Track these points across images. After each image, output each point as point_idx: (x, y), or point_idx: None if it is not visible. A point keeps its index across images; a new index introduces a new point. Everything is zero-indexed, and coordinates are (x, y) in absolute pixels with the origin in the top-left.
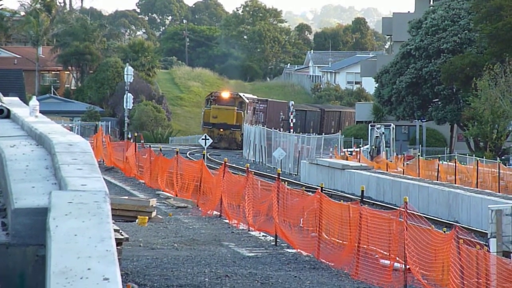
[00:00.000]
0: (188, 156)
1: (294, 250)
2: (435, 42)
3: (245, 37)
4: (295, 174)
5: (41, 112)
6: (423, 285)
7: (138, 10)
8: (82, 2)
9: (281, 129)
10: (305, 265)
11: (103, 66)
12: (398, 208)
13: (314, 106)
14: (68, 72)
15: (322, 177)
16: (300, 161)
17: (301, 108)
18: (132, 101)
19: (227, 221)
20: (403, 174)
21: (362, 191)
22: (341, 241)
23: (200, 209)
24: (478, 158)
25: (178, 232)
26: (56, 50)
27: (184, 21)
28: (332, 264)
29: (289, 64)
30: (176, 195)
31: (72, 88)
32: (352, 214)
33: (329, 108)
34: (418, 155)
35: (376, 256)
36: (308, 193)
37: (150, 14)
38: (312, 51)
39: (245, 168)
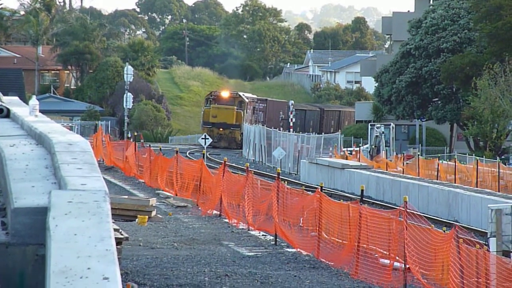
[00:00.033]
0: (188, 155)
1: (294, 250)
2: (435, 41)
3: (244, 36)
4: (295, 174)
5: (40, 111)
6: (423, 284)
7: (138, 10)
8: (81, 2)
9: (281, 129)
10: (305, 264)
11: (103, 65)
12: (398, 207)
13: (314, 105)
14: (68, 72)
15: (322, 176)
16: (299, 160)
17: (301, 107)
18: (132, 100)
19: (227, 220)
20: (403, 173)
21: (362, 191)
22: (341, 241)
23: (200, 208)
24: (478, 158)
25: (178, 232)
26: (56, 50)
27: (184, 20)
28: (332, 263)
29: (288, 64)
30: (176, 195)
31: (72, 87)
32: (352, 213)
33: (329, 108)
34: (418, 155)
35: (376, 255)
36: (308, 192)
37: (149, 13)
38: (311, 50)
39: (245, 168)
